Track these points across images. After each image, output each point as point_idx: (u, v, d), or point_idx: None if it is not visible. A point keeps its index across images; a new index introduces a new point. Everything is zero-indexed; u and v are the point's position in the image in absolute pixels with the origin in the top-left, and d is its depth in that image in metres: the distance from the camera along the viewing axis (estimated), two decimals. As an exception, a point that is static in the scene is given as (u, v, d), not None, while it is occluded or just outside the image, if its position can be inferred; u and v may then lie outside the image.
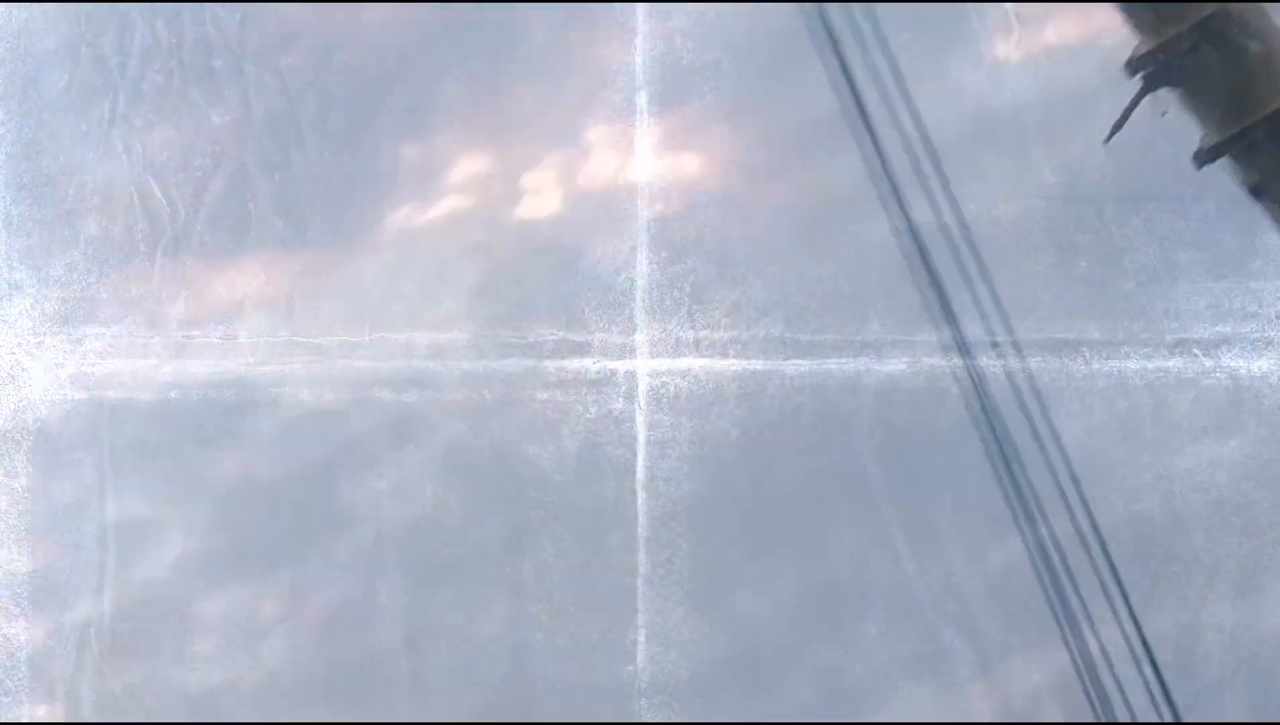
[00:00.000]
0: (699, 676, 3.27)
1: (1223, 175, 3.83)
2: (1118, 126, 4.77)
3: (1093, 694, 4.04)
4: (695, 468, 6.55)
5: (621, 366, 4.62)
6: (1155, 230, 4.34)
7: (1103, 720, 3.52)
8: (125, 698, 3.03)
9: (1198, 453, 5.56)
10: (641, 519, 3.39)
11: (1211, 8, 3.46)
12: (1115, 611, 5.87)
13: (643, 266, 4.59)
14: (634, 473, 4.27)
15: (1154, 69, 3.74)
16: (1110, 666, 5.23)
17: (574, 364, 4.82)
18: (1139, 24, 4.22)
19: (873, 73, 5.58)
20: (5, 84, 6.25)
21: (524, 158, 3.93)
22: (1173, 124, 3.52)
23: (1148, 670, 4.41)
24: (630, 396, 4.71)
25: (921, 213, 6.79)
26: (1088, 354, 5.61)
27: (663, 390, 6.16)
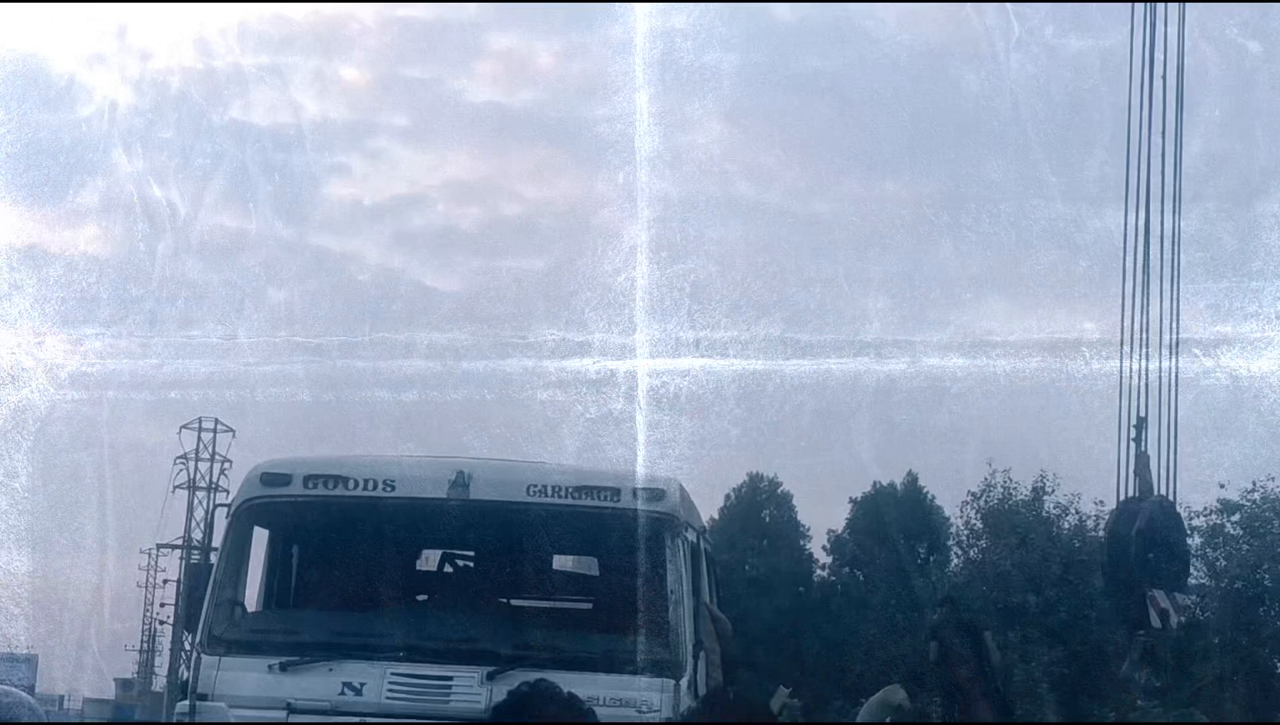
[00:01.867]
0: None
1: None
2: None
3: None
4: (695, 468, 6.34)
5: (621, 366, 4.63)
6: (1155, 230, 4.29)
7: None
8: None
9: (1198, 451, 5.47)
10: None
11: None
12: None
13: (643, 266, 4.59)
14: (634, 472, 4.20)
15: None
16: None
17: (574, 364, 4.81)
18: None
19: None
20: (5, 84, 6.19)
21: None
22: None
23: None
24: (630, 396, 4.68)
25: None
26: (1087, 354, 5.47)
27: (663, 390, 5.99)
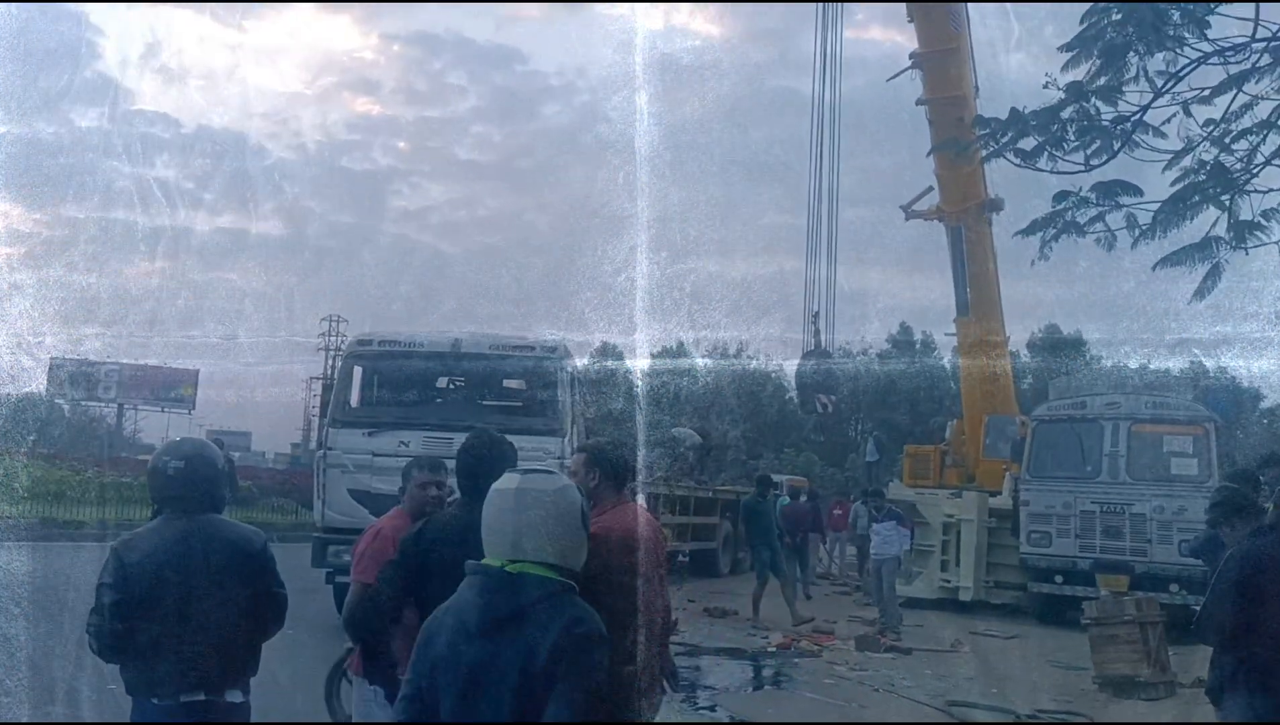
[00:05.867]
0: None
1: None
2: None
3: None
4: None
5: (621, 367, 4.65)
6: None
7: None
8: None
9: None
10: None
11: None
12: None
13: (643, 266, 4.59)
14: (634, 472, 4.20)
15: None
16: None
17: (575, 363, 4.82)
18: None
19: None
20: (5, 84, 6.23)
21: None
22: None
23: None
24: (630, 397, 4.68)
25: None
26: (1088, 355, 5.47)
27: (663, 391, 5.95)
